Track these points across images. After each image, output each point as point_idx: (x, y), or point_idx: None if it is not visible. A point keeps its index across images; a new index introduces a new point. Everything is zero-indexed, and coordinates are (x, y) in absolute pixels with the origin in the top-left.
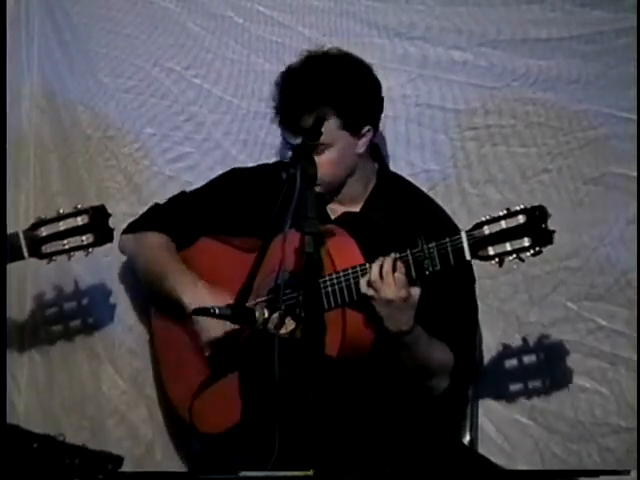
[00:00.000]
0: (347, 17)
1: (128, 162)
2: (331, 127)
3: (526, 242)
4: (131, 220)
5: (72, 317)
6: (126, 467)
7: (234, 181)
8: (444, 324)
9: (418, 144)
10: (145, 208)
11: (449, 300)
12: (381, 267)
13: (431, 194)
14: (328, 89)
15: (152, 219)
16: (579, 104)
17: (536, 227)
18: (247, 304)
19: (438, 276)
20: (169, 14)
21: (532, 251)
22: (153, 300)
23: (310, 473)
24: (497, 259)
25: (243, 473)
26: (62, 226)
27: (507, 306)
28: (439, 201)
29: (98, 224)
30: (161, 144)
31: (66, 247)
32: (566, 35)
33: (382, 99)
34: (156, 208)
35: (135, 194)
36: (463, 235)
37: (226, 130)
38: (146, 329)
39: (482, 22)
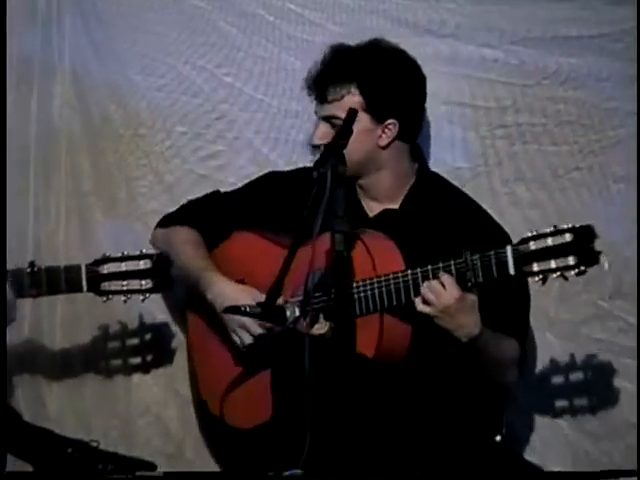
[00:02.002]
0: (377, 15)
1: (159, 161)
2: (352, 104)
3: (571, 261)
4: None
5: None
6: (157, 466)
7: (270, 182)
8: (505, 316)
9: (448, 142)
10: (176, 207)
11: (505, 292)
12: (429, 284)
13: (460, 189)
14: (357, 65)
15: (184, 214)
16: (610, 102)
17: (583, 246)
18: (278, 302)
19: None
20: (200, 12)
21: (577, 270)
22: (187, 298)
23: None
24: (541, 276)
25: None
26: (124, 267)
27: (538, 303)
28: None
29: (159, 271)
30: (192, 142)
31: (124, 288)
32: (596, 33)
33: (418, 98)
34: (189, 204)
35: (166, 193)
36: (508, 249)
37: (257, 128)
38: (177, 327)
39: (513, 20)
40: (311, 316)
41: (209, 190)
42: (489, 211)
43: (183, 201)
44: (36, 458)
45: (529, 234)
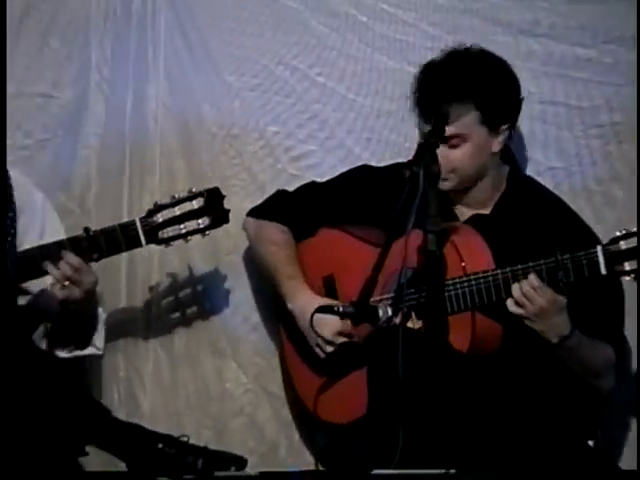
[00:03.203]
0: (471, 14)
1: (252, 160)
2: (470, 120)
3: None
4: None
5: (193, 311)
6: (250, 465)
7: (362, 176)
8: (598, 321)
9: (542, 142)
10: None
11: (598, 296)
12: (520, 285)
13: (556, 192)
14: (469, 81)
15: (276, 208)
16: None
17: None
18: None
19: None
20: (293, 13)
21: None
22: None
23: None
24: (633, 275)
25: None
26: (178, 211)
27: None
28: (564, 199)
29: (213, 206)
30: (285, 142)
31: (183, 231)
32: None
33: (521, 99)
34: (282, 195)
35: (259, 192)
36: (599, 249)
37: (349, 128)
38: (270, 327)
39: (606, 19)
40: (403, 313)
41: None
42: (583, 211)
43: None
44: (127, 454)
45: (618, 233)
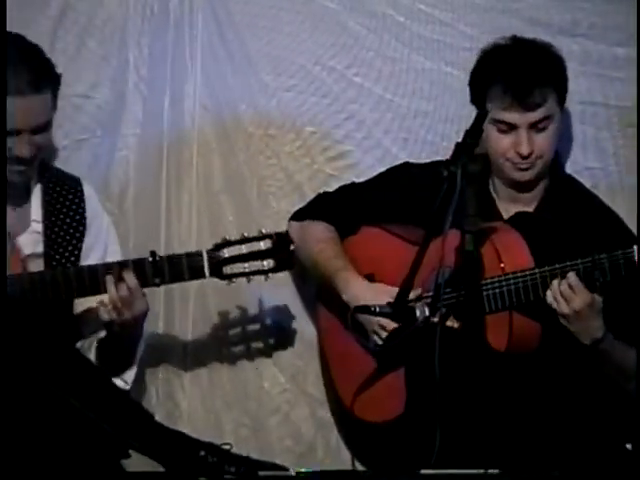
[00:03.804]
0: (509, 14)
1: (289, 160)
2: (553, 102)
3: None
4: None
5: (231, 310)
6: (288, 465)
7: (403, 174)
8: (632, 323)
9: (580, 142)
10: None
11: (634, 300)
12: (559, 283)
13: (594, 192)
14: (550, 65)
15: (319, 208)
16: None
17: None
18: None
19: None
20: (330, 13)
21: None
22: (319, 294)
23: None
24: None
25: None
26: (245, 249)
27: None
28: (602, 198)
29: (280, 250)
30: (321, 142)
31: (247, 270)
32: None
33: None
34: (324, 196)
35: (296, 192)
36: (635, 248)
37: (386, 128)
38: (308, 327)
39: None
40: (441, 313)
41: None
42: (620, 211)
43: None
44: (168, 460)
45: None
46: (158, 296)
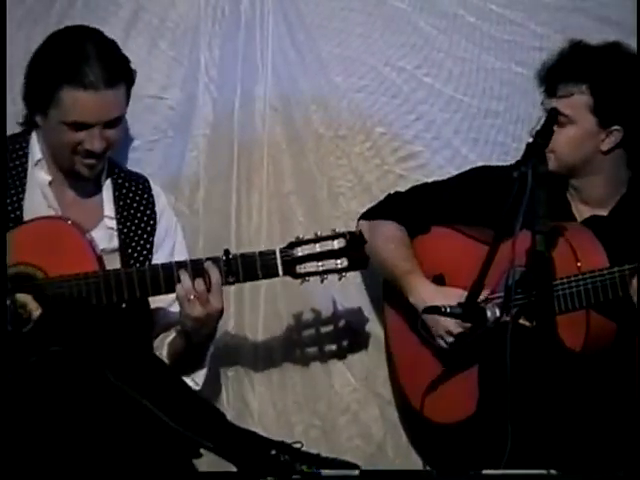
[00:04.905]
0: (580, 13)
1: (359, 161)
2: (580, 103)
3: None
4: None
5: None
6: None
7: (478, 176)
8: None
9: None
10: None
11: None
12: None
13: None
14: (592, 66)
15: (390, 207)
16: None
17: None
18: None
19: None
20: (400, 13)
21: None
22: (385, 295)
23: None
24: None
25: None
26: (318, 248)
27: None
28: None
29: (354, 249)
30: (391, 143)
31: (320, 269)
32: None
33: None
34: (395, 196)
35: (366, 193)
36: None
37: (456, 129)
38: (378, 327)
39: None
40: (512, 313)
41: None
42: None
43: None
44: (240, 459)
45: None
46: (227, 295)
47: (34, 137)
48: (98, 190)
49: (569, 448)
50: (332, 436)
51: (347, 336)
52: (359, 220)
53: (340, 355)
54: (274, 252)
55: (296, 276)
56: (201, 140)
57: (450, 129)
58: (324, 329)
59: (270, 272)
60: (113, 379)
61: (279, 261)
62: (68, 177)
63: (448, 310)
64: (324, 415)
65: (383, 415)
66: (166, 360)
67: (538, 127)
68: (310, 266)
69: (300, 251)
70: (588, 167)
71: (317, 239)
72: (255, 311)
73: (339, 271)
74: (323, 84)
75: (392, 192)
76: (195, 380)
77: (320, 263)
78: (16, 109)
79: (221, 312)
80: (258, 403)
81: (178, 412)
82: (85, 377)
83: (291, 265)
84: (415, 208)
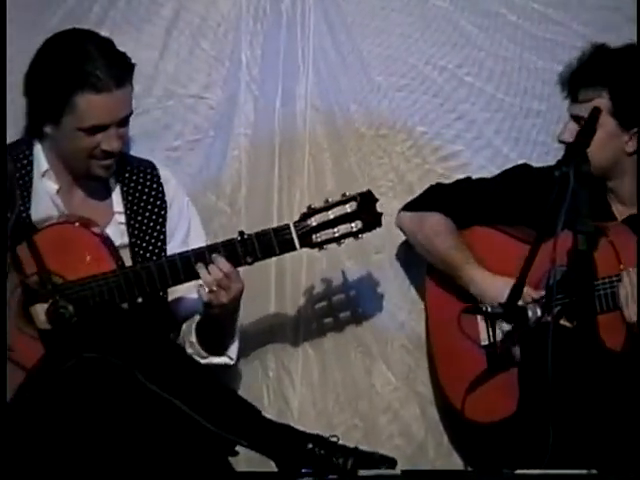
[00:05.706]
0: (622, 13)
1: (400, 160)
2: (599, 106)
3: None
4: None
5: (341, 309)
6: (398, 465)
7: (522, 174)
8: None
9: None
10: None
11: None
12: None
13: None
14: (611, 70)
15: (434, 199)
16: None
17: None
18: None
19: None
20: (442, 12)
21: None
22: (426, 294)
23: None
24: None
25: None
26: (331, 214)
27: None
28: None
29: (366, 210)
30: (432, 142)
31: (336, 235)
32: None
33: None
34: (438, 188)
35: (407, 192)
36: None
37: (497, 128)
38: (418, 325)
39: None
40: (553, 313)
41: None
42: None
43: None
44: (276, 453)
45: None
46: (268, 295)
47: (38, 147)
48: (107, 188)
49: (609, 448)
50: (372, 435)
51: (387, 335)
52: (399, 212)
53: (380, 353)
54: (288, 226)
55: (313, 246)
56: (242, 139)
57: (491, 128)
58: (362, 327)
59: (287, 246)
60: (144, 380)
61: (294, 234)
62: (77, 181)
63: (489, 310)
64: (365, 415)
65: (424, 414)
66: (196, 342)
67: (563, 134)
68: (326, 234)
69: (314, 221)
70: (618, 168)
71: (329, 206)
72: (295, 310)
73: (355, 234)
74: (364, 83)
75: (433, 184)
76: (229, 355)
77: (335, 229)
78: (16, 109)
79: (242, 290)
80: (299, 403)
81: (212, 409)
82: (119, 381)
83: (307, 236)
84: (460, 201)
